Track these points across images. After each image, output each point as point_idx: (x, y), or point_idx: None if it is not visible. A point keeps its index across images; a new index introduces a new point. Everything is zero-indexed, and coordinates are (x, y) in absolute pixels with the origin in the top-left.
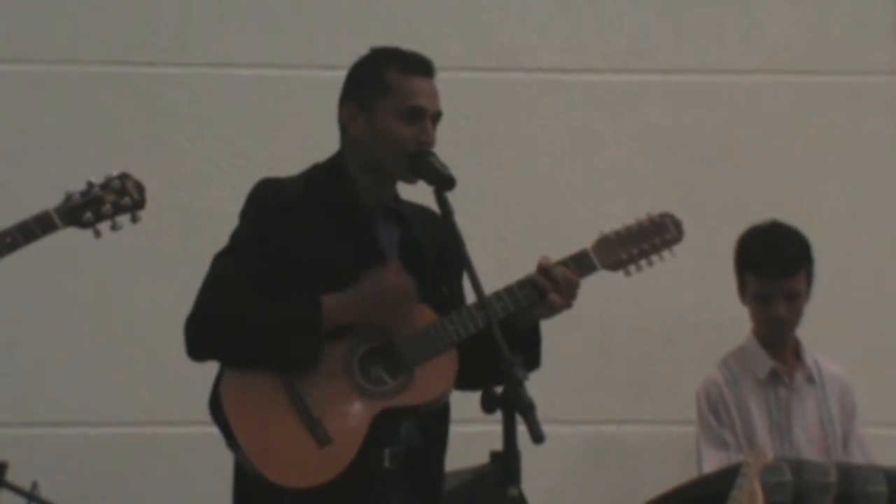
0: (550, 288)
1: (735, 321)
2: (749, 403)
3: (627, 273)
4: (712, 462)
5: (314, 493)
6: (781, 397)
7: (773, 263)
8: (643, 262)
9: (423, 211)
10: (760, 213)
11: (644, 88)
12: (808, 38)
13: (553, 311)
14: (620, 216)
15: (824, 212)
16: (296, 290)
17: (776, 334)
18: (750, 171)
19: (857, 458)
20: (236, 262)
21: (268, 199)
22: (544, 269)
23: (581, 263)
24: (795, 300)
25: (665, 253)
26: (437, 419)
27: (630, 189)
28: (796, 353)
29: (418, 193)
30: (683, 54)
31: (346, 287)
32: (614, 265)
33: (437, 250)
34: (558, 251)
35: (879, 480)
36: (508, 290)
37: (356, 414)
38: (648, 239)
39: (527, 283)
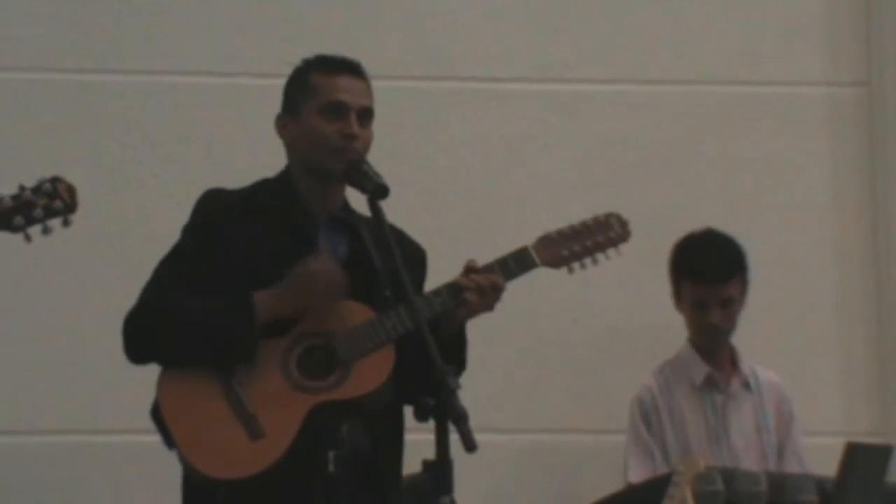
0: (472, 288)
1: (669, 329)
2: (683, 410)
3: (570, 270)
4: (638, 472)
5: (255, 497)
6: (717, 403)
7: (709, 270)
8: (587, 260)
9: (371, 220)
10: (693, 223)
11: (577, 98)
12: (741, 49)
13: (471, 313)
14: (554, 225)
15: (757, 221)
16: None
17: (711, 341)
18: (683, 180)
19: (793, 467)
20: (178, 266)
21: (211, 207)
22: (468, 271)
23: (520, 260)
24: (730, 307)
25: (611, 251)
26: (388, 423)
27: (563, 198)
28: (732, 360)
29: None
30: (617, 65)
31: None
32: (556, 262)
33: (383, 258)
34: (492, 259)
35: (810, 489)
36: (437, 292)
37: (290, 408)
38: (592, 237)
39: (451, 286)
